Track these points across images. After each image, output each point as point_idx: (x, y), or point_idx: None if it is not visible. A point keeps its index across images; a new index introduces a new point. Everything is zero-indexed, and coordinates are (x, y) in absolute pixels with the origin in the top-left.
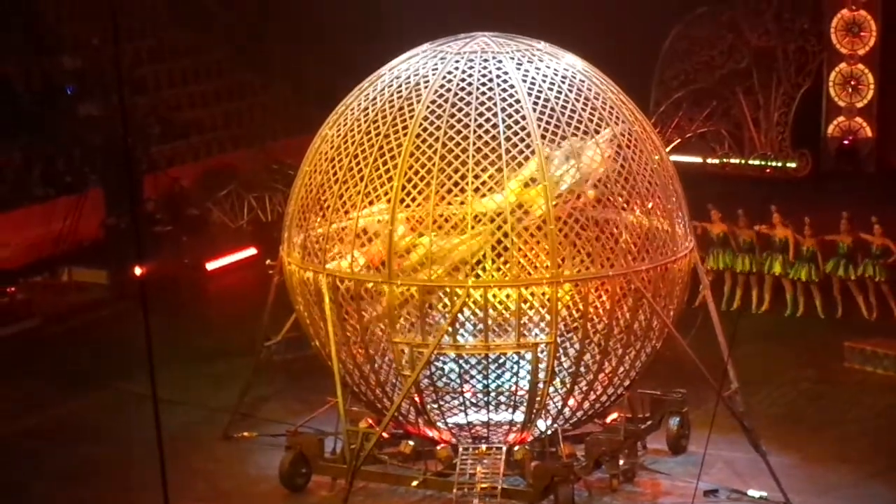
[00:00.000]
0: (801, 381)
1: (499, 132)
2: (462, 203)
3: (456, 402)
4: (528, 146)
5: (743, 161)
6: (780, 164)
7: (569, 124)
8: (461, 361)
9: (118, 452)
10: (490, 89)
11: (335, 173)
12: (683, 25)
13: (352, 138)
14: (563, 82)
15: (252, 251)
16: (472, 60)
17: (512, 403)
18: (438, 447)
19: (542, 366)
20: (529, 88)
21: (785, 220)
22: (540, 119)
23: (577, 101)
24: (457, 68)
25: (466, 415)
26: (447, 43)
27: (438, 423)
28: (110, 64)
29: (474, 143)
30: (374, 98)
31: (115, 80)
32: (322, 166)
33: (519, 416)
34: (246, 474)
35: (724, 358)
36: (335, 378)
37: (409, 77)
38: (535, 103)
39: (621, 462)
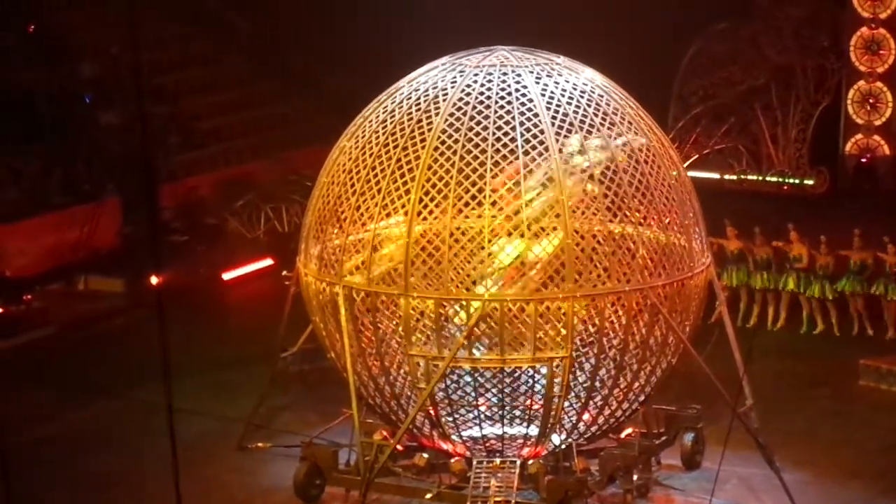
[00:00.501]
0: (816, 398)
1: (517, 146)
2: (479, 216)
3: (471, 416)
4: (545, 160)
5: (760, 178)
6: (797, 181)
7: (587, 138)
8: (476, 375)
9: (133, 462)
10: (509, 103)
11: (353, 185)
12: (703, 41)
13: (370, 150)
14: (582, 97)
15: (269, 262)
16: (490, 74)
17: (527, 417)
18: (452, 460)
19: (558, 380)
20: (548, 103)
21: (801, 237)
22: (558, 133)
23: (596, 115)
24: (475, 81)
25: (481, 428)
26: (466, 56)
27: (453, 436)
28: (129, 72)
29: (492, 157)
30: (393, 110)
31: (134, 89)
32: (340, 178)
33: (533, 430)
34: (260, 485)
35: (739, 374)
36: (350, 390)
37: (427, 90)
38: (554, 117)
39: (635, 477)
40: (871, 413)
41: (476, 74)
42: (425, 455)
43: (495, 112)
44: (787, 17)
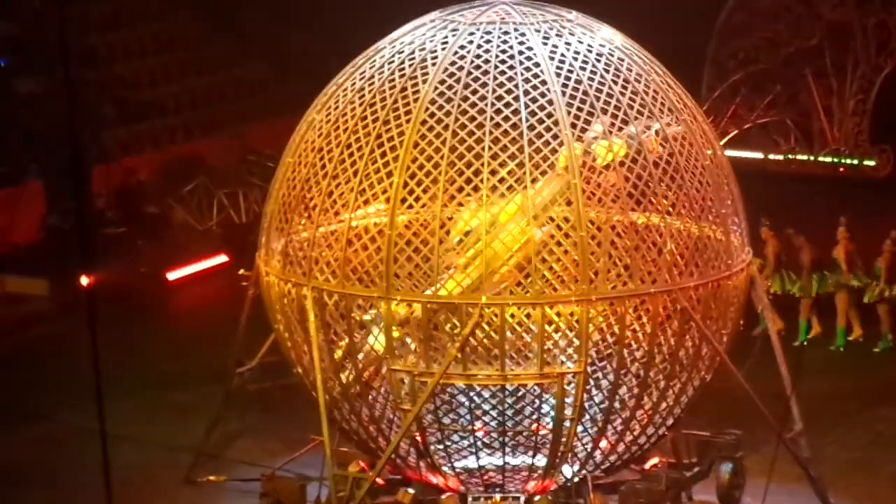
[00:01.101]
0: (876, 421)
1: (520, 120)
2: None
3: (465, 443)
4: (555, 136)
5: (812, 158)
6: (855, 162)
7: (604, 111)
8: (472, 394)
9: (63, 499)
10: (511, 68)
11: (324, 166)
12: None
13: (344, 125)
14: (599, 61)
15: (222, 258)
16: (489, 33)
17: (532, 445)
18: (444, 496)
19: (569, 400)
20: (558, 68)
21: (849, 234)
22: (570, 104)
23: (615, 83)
24: (471, 42)
25: (478, 458)
26: (460, 11)
27: (444, 468)
28: (55, 31)
29: (491, 133)
30: (372, 77)
31: (60, 51)
32: (308, 158)
33: (540, 461)
34: None
35: (786, 393)
36: (321, 412)
37: (413, 52)
38: (565, 85)
39: None
40: None
41: (472, 34)
42: (411, 490)
43: (495, 79)
44: None
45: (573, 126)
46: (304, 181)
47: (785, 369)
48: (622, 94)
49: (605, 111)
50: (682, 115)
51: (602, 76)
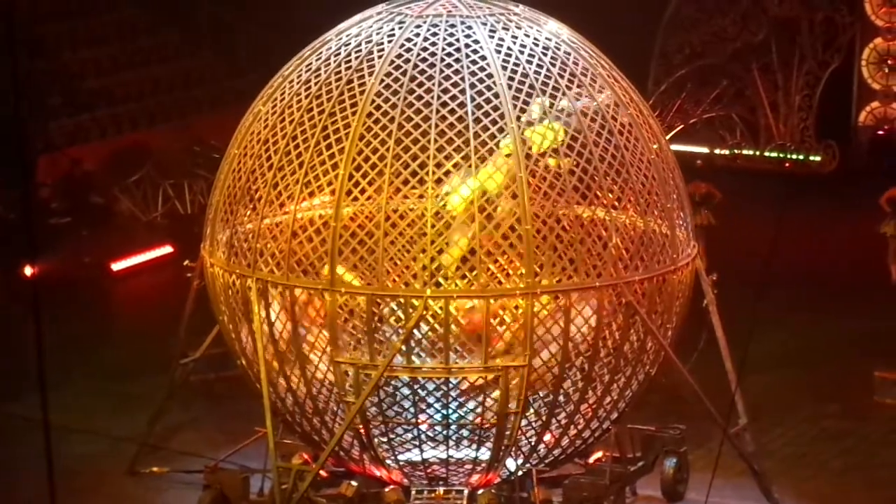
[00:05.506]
0: (822, 417)
1: (466, 112)
2: (421, 196)
3: (409, 436)
4: (501, 129)
5: (757, 153)
6: (801, 158)
7: (551, 105)
8: (416, 387)
9: (3, 489)
10: (457, 61)
11: (269, 158)
12: None
13: (290, 116)
14: (545, 54)
15: (167, 249)
16: (436, 26)
17: (476, 438)
18: (387, 489)
19: (514, 394)
20: (504, 61)
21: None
22: (516, 97)
23: (562, 77)
24: (417, 35)
25: (421, 451)
26: (407, 4)
27: (387, 461)
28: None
29: (437, 125)
30: (318, 69)
31: (5, 40)
32: (254, 149)
33: (484, 454)
34: None
35: (731, 388)
36: (264, 404)
37: (360, 44)
38: (511, 79)
39: None
40: (887, 435)
41: (418, 26)
42: (354, 483)
43: (441, 72)
44: None
45: (518, 119)
46: (250, 172)
47: (730, 364)
48: (568, 87)
49: (551, 104)
50: (629, 108)
51: (548, 70)
